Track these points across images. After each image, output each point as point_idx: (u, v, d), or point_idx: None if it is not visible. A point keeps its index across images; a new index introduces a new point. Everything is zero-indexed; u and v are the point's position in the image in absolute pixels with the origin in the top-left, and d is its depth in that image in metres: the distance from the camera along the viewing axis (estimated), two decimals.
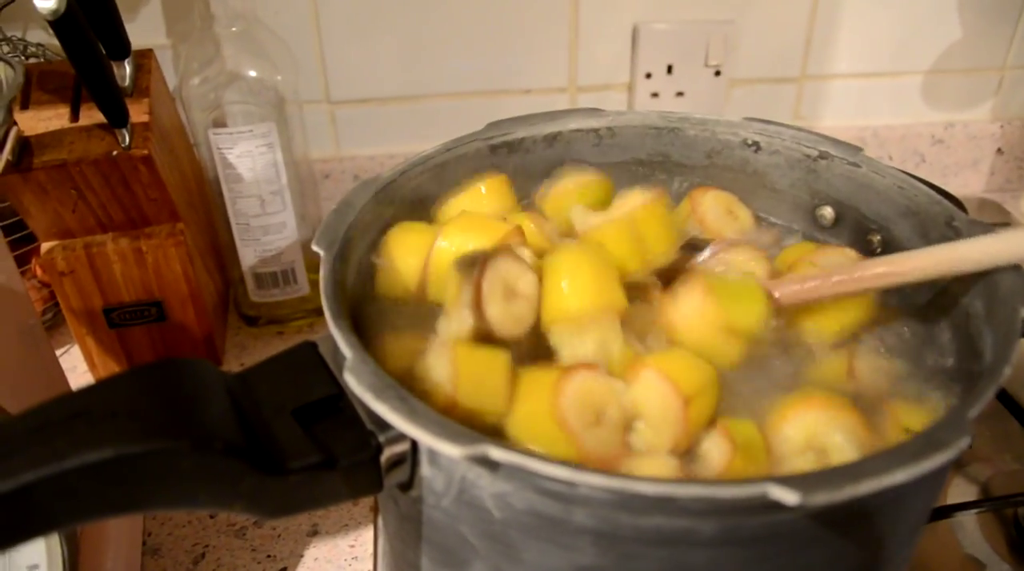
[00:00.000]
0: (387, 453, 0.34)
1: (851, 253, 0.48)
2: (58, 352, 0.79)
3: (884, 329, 0.46)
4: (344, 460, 0.33)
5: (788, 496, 0.28)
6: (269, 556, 0.61)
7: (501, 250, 0.42)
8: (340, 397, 0.35)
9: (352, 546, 0.61)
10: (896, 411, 0.40)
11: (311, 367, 0.37)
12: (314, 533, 0.62)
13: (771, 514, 0.31)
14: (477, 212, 0.49)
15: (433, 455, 0.34)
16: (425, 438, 0.30)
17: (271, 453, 0.32)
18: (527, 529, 0.33)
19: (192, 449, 0.30)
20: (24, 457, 0.29)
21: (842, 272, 0.44)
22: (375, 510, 0.64)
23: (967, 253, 0.41)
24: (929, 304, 0.46)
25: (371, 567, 0.60)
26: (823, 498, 0.28)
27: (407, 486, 0.36)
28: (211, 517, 0.64)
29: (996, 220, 1.01)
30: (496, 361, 0.39)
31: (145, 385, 0.33)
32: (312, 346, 0.38)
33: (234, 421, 0.32)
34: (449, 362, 0.38)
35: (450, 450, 0.30)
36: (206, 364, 0.35)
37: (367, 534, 0.62)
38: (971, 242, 0.42)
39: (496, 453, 0.29)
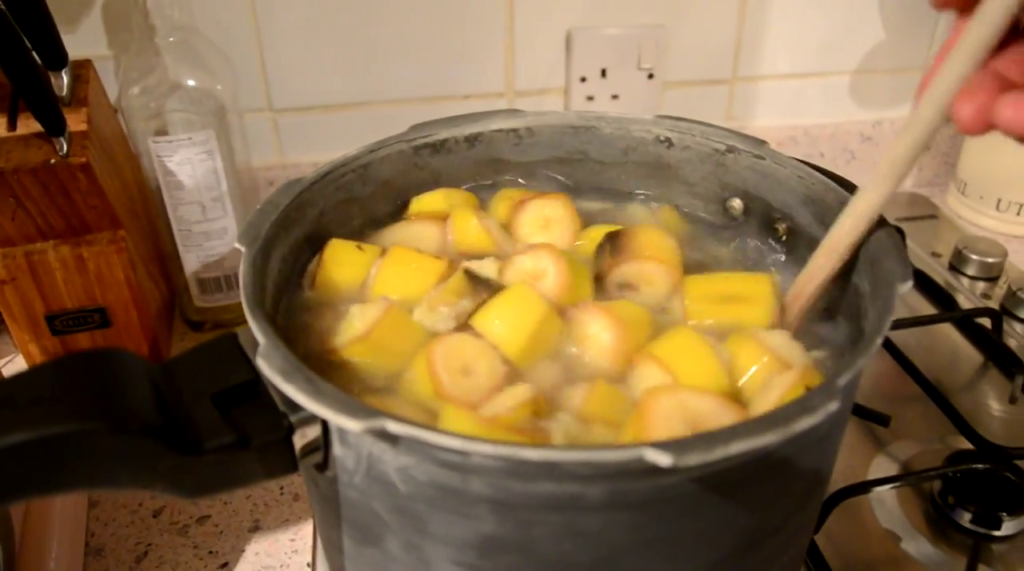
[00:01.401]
0: (300, 433, 0.36)
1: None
2: (1, 361, 0.80)
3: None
4: (257, 440, 0.35)
5: (662, 458, 0.30)
6: (211, 552, 0.62)
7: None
8: (257, 383, 0.37)
9: (293, 540, 0.63)
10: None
11: (231, 356, 0.38)
12: (255, 529, 0.64)
13: (654, 478, 0.33)
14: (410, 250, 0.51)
15: (343, 434, 0.36)
16: (328, 414, 0.32)
17: (188, 435, 0.34)
18: (431, 501, 0.35)
19: (110, 430, 0.32)
20: None
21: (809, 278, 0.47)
22: None
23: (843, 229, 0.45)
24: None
25: (310, 559, 0.61)
26: (695, 459, 0.30)
27: (323, 467, 0.38)
28: (154, 516, 0.65)
29: (924, 213, 1.05)
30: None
31: (69, 373, 0.34)
32: (233, 337, 0.40)
33: (153, 405, 0.34)
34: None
35: (351, 424, 0.32)
36: (130, 354, 0.37)
37: (307, 528, 0.64)
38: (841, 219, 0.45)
39: (393, 426, 0.31)
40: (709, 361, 0.43)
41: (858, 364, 0.36)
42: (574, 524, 0.34)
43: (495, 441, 0.31)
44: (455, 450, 0.31)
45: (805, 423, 0.32)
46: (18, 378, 0.35)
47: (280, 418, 0.35)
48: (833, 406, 0.33)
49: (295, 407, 0.35)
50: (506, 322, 0.45)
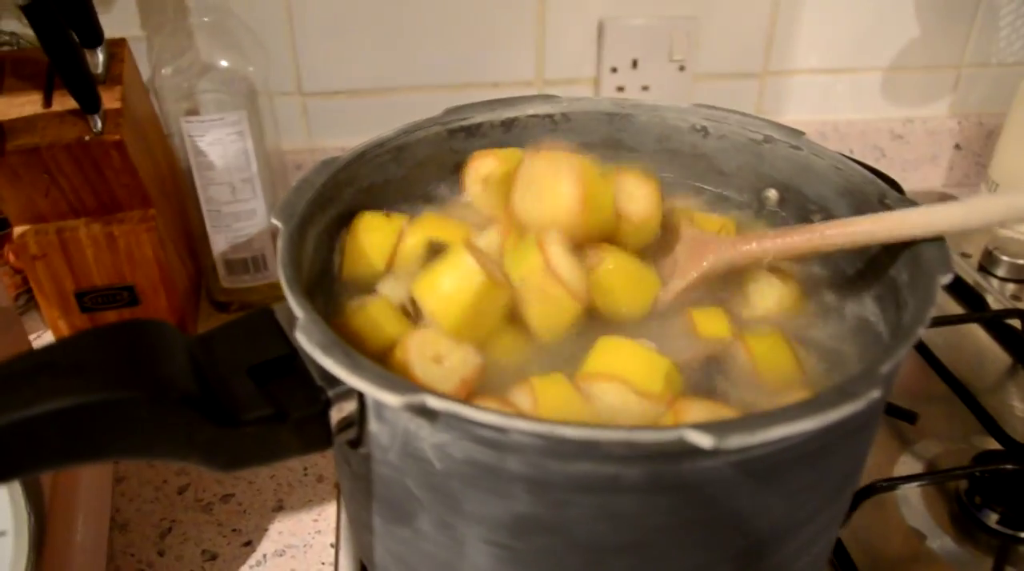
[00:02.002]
0: (336, 408, 0.36)
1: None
2: (31, 337, 0.80)
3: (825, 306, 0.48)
4: (295, 413, 0.35)
5: (703, 440, 0.30)
6: (235, 530, 0.63)
7: None
8: (293, 357, 0.37)
9: (316, 520, 0.63)
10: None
11: (267, 331, 0.39)
12: (279, 508, 0.64)
13: (692, 460, 0.33)
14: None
15: (379, 410, 0.36)
16: (367, 388, 0.32)
17: (225, 406, 0.34)
18: (466, 479, 0.35)
19: (149, 399, 0.32)
20: None
21: (797, 232, 0.47)
22: (338, 486, 0.66)
23: (901, 221, 0.44)
24: (861, 276, 0.48)
25: (333, 539, 0.62)
26: (736, 441, 0.30)
27: (357, 443, 0.38)
28: (178, 493, 0.65)
29: None
30: None
31: (108, 342, 0.35)
32: (269, 312, 0.40)
33: (191, 376, 0.34)
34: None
35: (390, 399, 0.32)
36: (168, 326, 0.37)
37: (330, 509, 0.64)
38: (904, 213, 0.44)
39: (433, 401, 0.31)
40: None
41: (899, 353, 0.36)
42: (609, 505, 0.34)
43: (534, 418, 0.31)
44: (494, 426, 0.31)
45: (848, 409, 0.32)
46: (59, 345, 0.35)
47: (317, 392, 0.35)
48: (875, 393, 0.33)
49: (332, 381, 0.35)
50: (438, 293, 0.43)
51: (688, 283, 0.48)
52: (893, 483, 0.62)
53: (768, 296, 0.48)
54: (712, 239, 0.49)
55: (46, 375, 0.33)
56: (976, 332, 0.83)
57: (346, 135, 0.94)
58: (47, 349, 0.34)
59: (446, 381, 0.40)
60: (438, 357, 0.41)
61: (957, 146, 1.07)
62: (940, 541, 0.62)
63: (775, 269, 0.49)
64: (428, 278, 0.44)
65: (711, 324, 0.46)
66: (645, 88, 0.95)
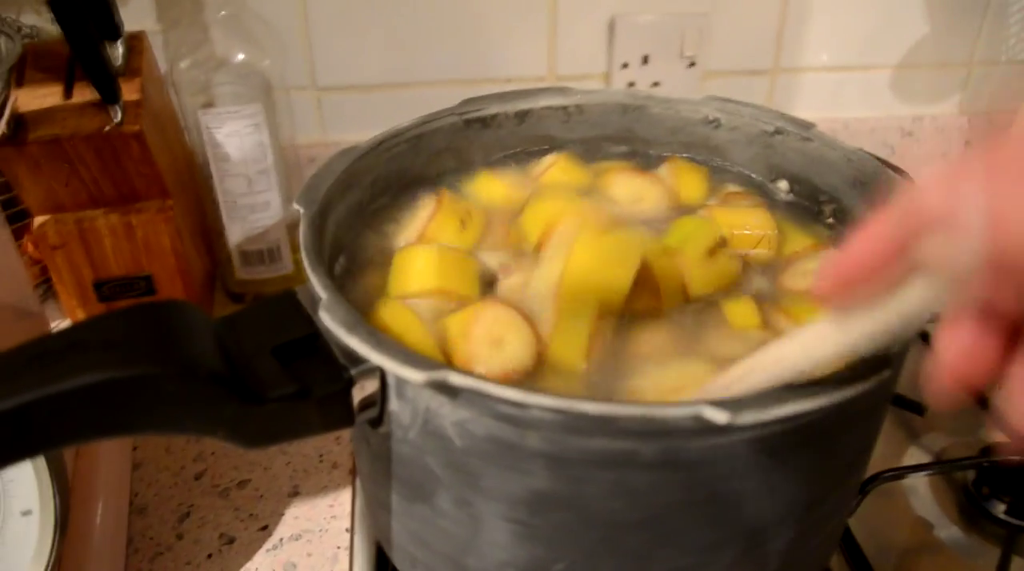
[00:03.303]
0: (358, 386, 0.36)
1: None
2: (50, 326, 0.81)
3: None
4: (318, 391, 0.36)
5: (718, 415, 0.31)
6: (251, 515, 0.64)
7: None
8: (316, 337, 0.38)
9: (331, 506, 0.64)
10: None
11: (291, 312, 0.39)
12: (295, 494, 0.65)
13: (707, 437, 0.33)
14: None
15: (400, 388, 0.36)
16: (390, 365, 0.33)
17: (251, 384, 0.35)
18: (486, 456, 0.36)
19: (178, 375, 0.33)
20: (25, 379, 0.32)
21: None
22: (353, 472, 0.67)
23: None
24: None
25: (348, 525, 0.63)
26: (750, 417, 0.31)
27: (377, 422, 0.39)
28: (195, 479, 0.66)
29: None
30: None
31: (137, 321, 0.35)
32: (292, 294, 0.41)
33: (218, 354, 0.35)
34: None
35: (413, 375, 0.33)
36: (193, 306, 0.38)
37: (345, 495, 0.65)
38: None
39: (455, 378, 0.32)
40: None
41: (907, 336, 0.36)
42: (625, 481, 0.35)
43: (554, 394, 0.32)
44: (514, 402, 0.32)
45: (858, 388, 0.33)
46: (90, 323, 0.36)
47: (340, 371, 0.36)
48: (885, 373, 0.34)
49: (355, 360, 0.36)
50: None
51: None
52: (901, 472, 0.63)
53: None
54: None
55: (78, 352, 0.33)
56: None
57: (359, 129, 0.94)
58: (77, 327, 0.35)
59: (489, 366, 0.41)
60: (499, 341, 0.42)
61: (967, 143, 1.07)
62: (948, 531, 0.63)
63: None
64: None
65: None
66: (656, 84, 0.95)
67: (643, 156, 0.58)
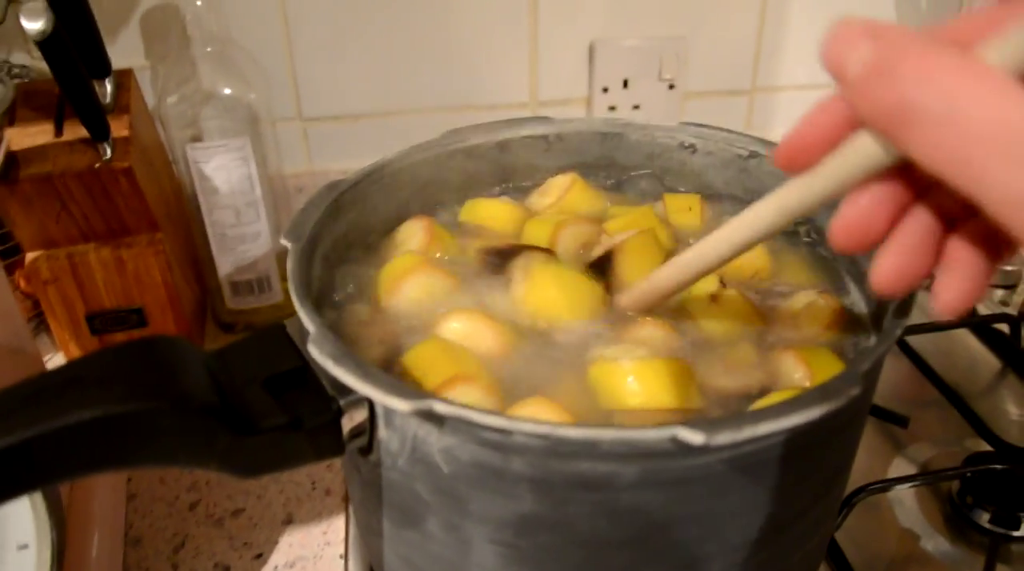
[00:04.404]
0: (348, 416, 0.38)
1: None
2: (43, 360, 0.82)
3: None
4: (309, 422, 0.37)
5: (694, 437, 0.32)
6: (246, 544, 0.64)
7: None
8: (306, 369, 0.39)
9: (325, 532, 0.65)
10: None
11: (280, 345, 0.41)
12: (289, 521, 0.66)
13: (686, 458, 0.35)
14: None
15: (389, 417, 0.38)
16: (377, 395, 0.34)
17: (243, 416, 0.36)
18: (472, 481, 0.37)
19: (172, 409, 0.34)
20: (24, 416, 0.33)
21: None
22: (346, 499, 0.68)
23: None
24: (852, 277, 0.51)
25: (342, 551, 0.63)
26: (725, 438, 0.32)
27: (367, 450, 0.40)
28: (190, 509, 0.67)
29: None
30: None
31: (131, 357, 0.36)
32: (281, 328, 0.42)
33: (210, 387, 0.36)
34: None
35: (400, 405, 0.34)
36: (185, 341, 0.39)
37: (339, 522, 0.66)
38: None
39: (440, 407, 0.33)
40: None
41: (878, 352, 0.38)
42: (608, 502, 0.36)
43: (537, 421, 0.33)
44: (498, 429, 0.33)
45: (829, 406, 0.34)
46: (84, 361, 0.37)
47: (329, 401, 0.37)
48: (855, 391, 0.35)
49: (344, 391, 0.37)
50: None
51: None
52: (887, 484, 0.64)
53: None
54: None
55: (74, 389, 0.34)
56: (966, 337, 0.85)
57: (346, 158, 0.96)
58: (72, 365, 0.36)
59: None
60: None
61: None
62: (933, 541, 0.64)
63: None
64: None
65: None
66: (636, 107, 0.97)
67: (624, 182, 0.60)
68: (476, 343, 0.45)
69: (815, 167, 0.33)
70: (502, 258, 0.50)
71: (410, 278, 0.49)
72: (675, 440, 0.32)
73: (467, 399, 0.40)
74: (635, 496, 0.36)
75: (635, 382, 0.42)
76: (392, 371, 0.43)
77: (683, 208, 0.56)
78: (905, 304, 0.41)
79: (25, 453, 0.32)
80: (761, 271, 0.52)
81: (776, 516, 0.40)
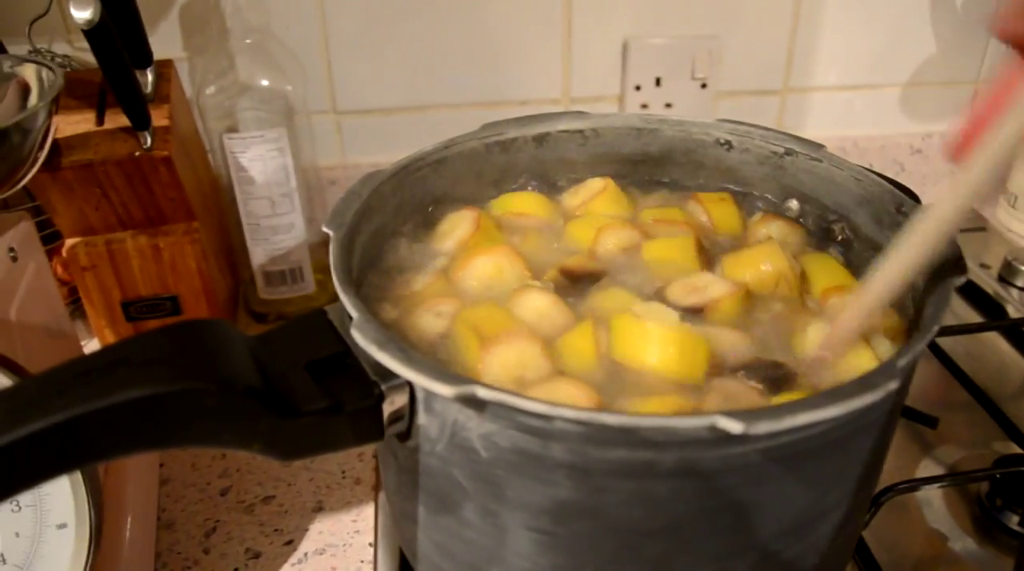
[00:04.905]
0: (388, 401, 0.38)
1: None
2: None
3: None
4: (350, 406, 0.37)
5: (733, 425, 0.32)
6: (276, 530, 0.65)
7: None
8: (347, 354, 0.40)
9: (355, 520, 0.66)
10: None
11: (321, 330, 0.41)
12: (319, 509, 0.67)
13: (723, 447, 0.35)
14: None
15: (429, 403, 0.38)
16: (420, 380, 0.35)
17: (286, 399, 0.37)
18: (511, 466, 0.37)
19: (217, 390, 0.35)
20: (74, 394, 0.33)
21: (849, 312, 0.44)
22: (376, 488, 0.68)
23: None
24: None
25: (372, 539, 0.64)
26: (764, 427, 0.32)
27: (406, 436, 0.40)
28: (221, 495, 0.68)
29: (973, 226, 1.06)
30: None
31: (177, 339, 0.37)
32: (322, 313, 0.42)
33: (254, 370, 0.37)
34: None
35: (443, 389, 0.34)
36: (228, 324, 0.40)
37: (368, 510, 0.66)
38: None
39: (483, 392, 0.34)
40: None
41: (917, 348, 0.38)
42: (645, 491, 0.36)
43: (578, 407, 0.33)
44: (540, 414, 0.34)
45: (868, 399, 0.34)
46: (132, 341, 0.37)
47: (371, 386, 0.38)
48: (893, 385, 0.35)
49: (386, 376, 0.38)
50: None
51: None
52: (915, 484, 0.64)
53: None
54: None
55: (122, 368, 0.35)
56: (996, 340, 0.85)
57: (378, 152, 0.97)
58: (121, 345, 0.37)
59: None
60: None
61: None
62: (962, 542, 0.64)
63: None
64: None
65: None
66: (668, 105, 0.97)
67: (659, 181, 0.60)
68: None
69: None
70: (577, 283, 0.51)
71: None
72: (714, 428, 0.33)
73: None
74: (671, 484, 0.36)
75: (646, 342, 0.44)
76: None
77: (714, 199, 0.57)
78: (941, 302, 0.41)
79: (74, 430, 0.33)
80: (785, 278, 0.52)
81: (809, 509, 0.41)
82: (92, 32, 0.59)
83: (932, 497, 0.67)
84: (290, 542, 0.64)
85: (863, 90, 1.03)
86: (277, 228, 0.81)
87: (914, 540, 0.64)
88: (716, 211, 0.56)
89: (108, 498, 0.62)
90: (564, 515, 0.38)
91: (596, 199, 0.57)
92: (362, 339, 0.37)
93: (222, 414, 0.36)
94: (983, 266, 0.96)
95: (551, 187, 0.60)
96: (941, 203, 0.38)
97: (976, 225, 1.06)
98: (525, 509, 0.38)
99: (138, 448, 0.36)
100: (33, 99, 0.57)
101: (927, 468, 0.70)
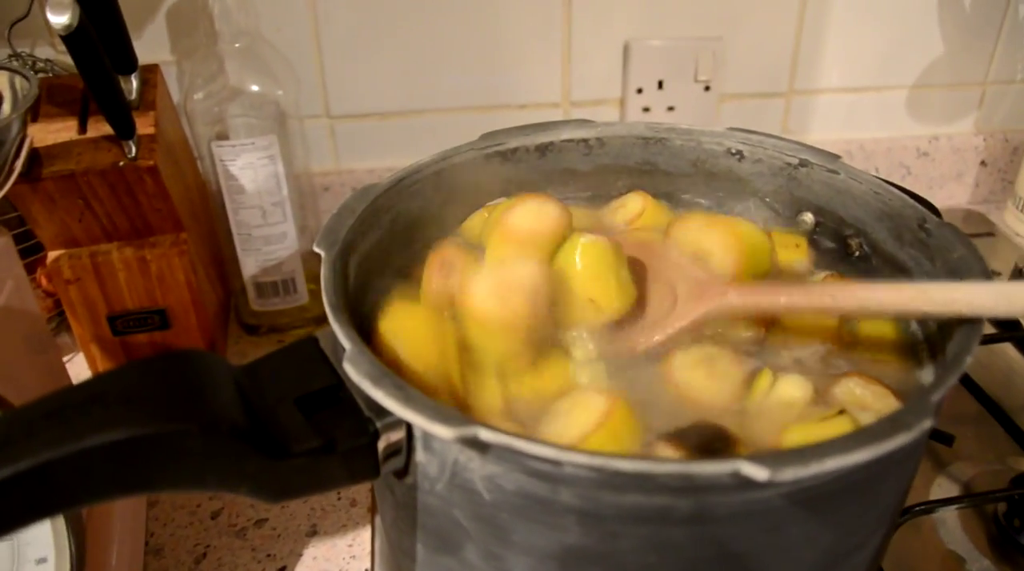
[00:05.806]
0: (384, 439, 0.36)
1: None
2: (63, 359, 0.81)
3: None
4: (343, 445, 0.35)
5: (759, 472, 0.30)
6: (269, 555, 0.63)
7: None
8: (340, 387, 0.37)
9: (350, 546, 0.63)
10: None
11: (313, 360, 0.39)
12: (313, 533, 0.64)
13: (745, 492, 0.32)
14: None
15: (427, 440, 0.35)
16: (419, 421, 0.32)
17: (275, 438, 0.34)
18: (516, 510, 0.35)
19: (200, 431, 0.32)
20: (43, 437, 0.31)
21: (807, 292, 0.45)
22: (372, 510, 0.66)
23: (932, 295, 0.41)
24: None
25: (368, 565, 0.61)
26: (791, 474, 0.30)
27: (403, 473, 0.38)
28: (212, 518, 0.66)
29: (981, 231, 1.03)
30: None
31: (157, 373, 0.35)
32: (314, 341, 0.40)
33: (240, 407, 0.34)
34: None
35: (443, 432, 0.32)
36: (214, 356, 0.37)
37: (364, 534, 0.64)
38: (938, 286, 0.42)
39: (485, 434, 0.31)
40: None
41: (949, 382, 0.35)
42: (660, 537, 0.34)
43: (589, 451, 0.31)
44: (548, 459, 0.31)
45: (900, 440, 0.32)
46: (107, 376, 0.35)
47: (365, 423, 0.35)
48: (927, 423, 0.33)
49: (381, 412, 0.35)
50: None
51: (682, 326, 0.46)
52: (931, 506, 0.61)
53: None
54: (715, 284, 0.46)
55: (98, 407, 0.33)
56: (1007, 351, 0.83)
57: (373, 157, 0.94)
58: (98, 380, 0.35)
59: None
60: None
61: (983, 163, 1.06)
62: (979, 564, 0.62)
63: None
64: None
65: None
66: (671, 109, 0.95)
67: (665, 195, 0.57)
68: None
69: None
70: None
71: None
72: (737, 475, 0.30)
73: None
74: (688, 531, 0.34)
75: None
76: None
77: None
78: (972, 331, 0.39)
79: (44, 476, 0.31)
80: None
81: (832, 550, 0.38)
82: (71, 38, 0.56)
83: (948, 517, 0.65)
84: (283, 568, 0.62)
85: (869, 92, 1.01)
86: (269, 238, 0.79)
87: (930, 562, 0.62)
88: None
89: (93, 523, 0.59)
90: (573, 561, 0.35)
91: (640, 219, 0.55)
92: (355, 373, 0.35)
93: (206, 457, 0.33)
94: (993, 273, 0.94)
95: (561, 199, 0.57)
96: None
97: (983, 230, 1.04)
98: (531, 553, 0.36)
99: (115, 494, 0.33)
100: (6, 109, 0.54)
101: (941, 486, 0.68)
